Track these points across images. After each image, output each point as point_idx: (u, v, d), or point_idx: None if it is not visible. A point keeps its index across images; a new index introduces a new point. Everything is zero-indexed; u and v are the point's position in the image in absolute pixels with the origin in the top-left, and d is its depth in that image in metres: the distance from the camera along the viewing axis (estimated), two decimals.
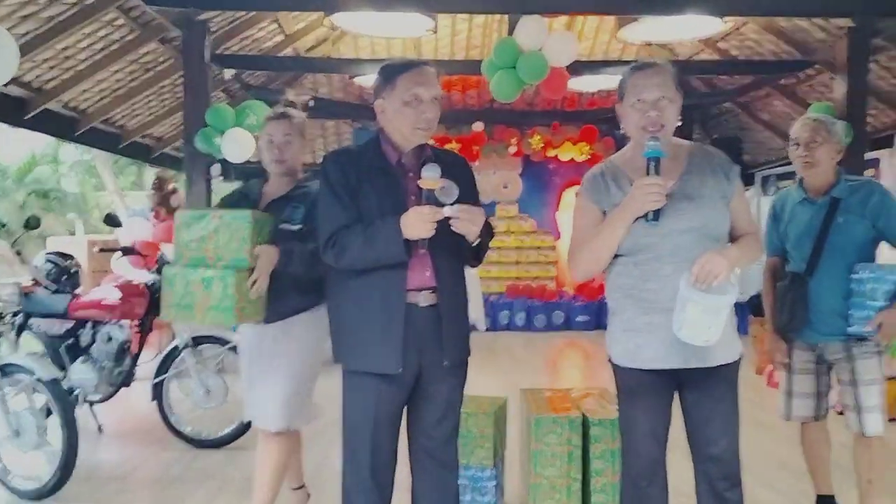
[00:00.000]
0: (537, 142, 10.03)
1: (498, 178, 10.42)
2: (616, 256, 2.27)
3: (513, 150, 10.18)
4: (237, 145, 6.00)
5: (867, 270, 2.83)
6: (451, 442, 2.44)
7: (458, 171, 2.35)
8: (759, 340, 5.43)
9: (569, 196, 10.48)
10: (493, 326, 9.24)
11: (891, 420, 4.64)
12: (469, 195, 2.35)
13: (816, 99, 7.73)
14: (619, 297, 2.30)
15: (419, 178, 2.22)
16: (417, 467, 2.44)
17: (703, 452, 2.33)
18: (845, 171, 3.01)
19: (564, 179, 10.53)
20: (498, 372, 6.49)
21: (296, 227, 2.77)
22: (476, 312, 7.58)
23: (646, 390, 2.30)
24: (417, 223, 2.16)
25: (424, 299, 2.28)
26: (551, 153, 10.15)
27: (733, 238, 2.31)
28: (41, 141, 15.98)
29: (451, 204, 2.20)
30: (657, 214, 2.15)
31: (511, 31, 5.54)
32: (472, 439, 3.10)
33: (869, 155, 7.71)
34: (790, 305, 2.95)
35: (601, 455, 2.98)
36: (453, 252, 2.32)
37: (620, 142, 9.65)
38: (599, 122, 10.13)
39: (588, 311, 9.50)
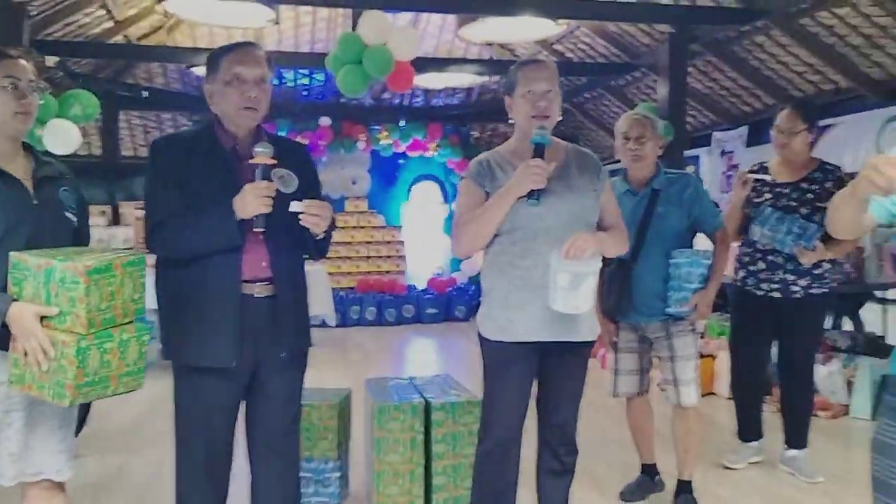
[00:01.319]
0: (385, 137, 10.08)
1: (346, 173, 10.38)
2: (495, 236, 2.42)
3: (361, 145, 10.18)
4: (60, 137, 5.59)
5: (683, 256, 3.08)
6: (291, 434, 2.41)
7: (298, 159, 2.33)
8: None
9: (417, 191, 10.64)
10: (344, 322, 9.19)
11: (705, 395, 5.11)
12: (310, 184, 2.35)
13: (643, 100, 8.28)
14: (495, 274, 2.45)
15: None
16: (256, 460, 2.39)
17: (550, 420, 2.53)
18: (664, 166, 3.26)
19: (413, 175, 10.66)
20: (348, 366, 6.47)
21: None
22: (325, 308, 7.50)
23: (515, 364, 2.45)
24: (252, 199, 2.11)
25: (260, 290, 2.23)
26: (400, 149, 10.24)
27: (602, 229, 2.51)
28: None
29: (292, 193, 2.18)
30: (538, 196, 2.32)
31: (354, 26, 5.53)
32: (315, 432, 3.09)
33: (690, 152, 8.38)
34: (616, 290, 3.15)
35: (443, 439, 3.06)
36: (290, 243, 2.29)
37: (466, 139, 9.89)
38: (447, 119, 10.33)
39: (437, 303, 9.67)
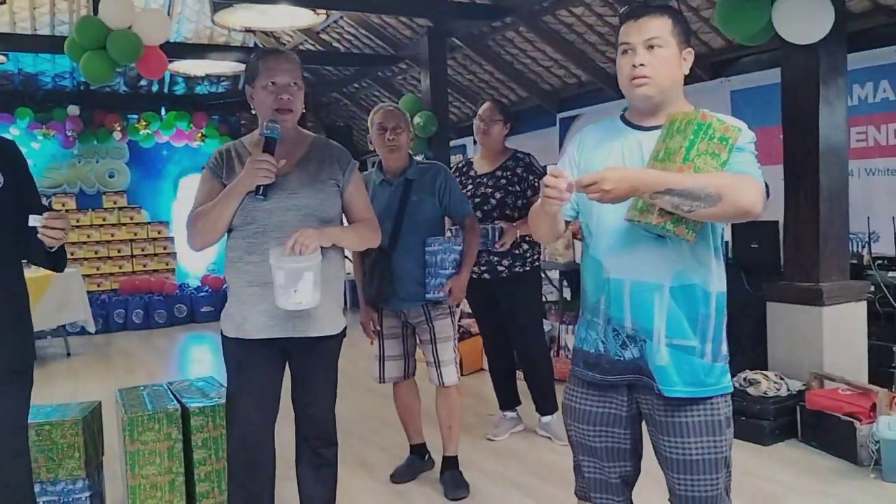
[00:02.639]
0: (144, 127, 9.44)
1: (102, 166, 9.61)
2: (230, 231, 2.38)
3: (117, 136, 9.46)
4: None
5: (437, 243, 3.21)
6: (17, 461, 2.18)
7: (7, 156, 2.14)
8: None
9: (186, 185, 10.09)
10: (107, 327, 8.51)
11: (475, 371, 5.40)
12: (21, 181, 2.17)
13: (410, 91, 8.50)
14: (231, 271, 2.41)
15: None
16: None
17: (304, 414, 2.52)
18: (431, 154, 3.39)
19: (180, 167, 10.10)
20: (108, 376, 6.00)
21: None
22: (82, 313, 6.90)
23: (253, 361, 2.41)
24: None
25: None
26: (163, 139, 9.65)
27: (351, 222, 2.52)
28: None
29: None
30: (265, 191, 2.29)
31: (95, 10, 5.09)
32: (59, 450, 2.83)
33: (456, 142, 8.75)
34: (378, 277, 3.21)
35: (203, 444, 2.93)
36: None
37: (236, 128, 9.53)
38: (213, 108, 9.90)
39: (212, 301, 9.23)
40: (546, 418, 3.93)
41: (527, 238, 3.78)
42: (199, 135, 9.90)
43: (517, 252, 3.79)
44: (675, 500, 1.88)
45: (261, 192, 2.28)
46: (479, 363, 5.54)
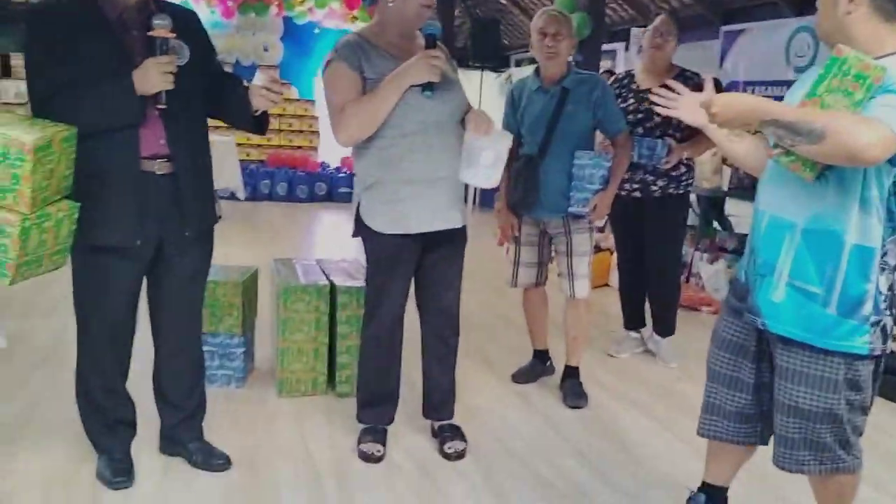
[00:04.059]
0: (300, 3, 9.62)
1: (258, 39, 9.92)
2: (377, 130, 2.40)
3: (274, 11, 9.70)
4: None
5: (587, 157, 3.18)
6: (194, 310, 2.46)
7: (189, 28, 2.24)
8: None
9: None
10: (254, 196, 9.05)
11: (601, 286, 5.41)
12: (205, 53, 2.31)
13: None
14: (381, 168, 2.46)
15: (145, 33, 2.11)
16: (160, 337, 2.44)
17: (434, 305, 2.68)
18: (578, 66, 3.31)
19: (329, 47, 10.26)
20: (257, 242, 6.44)
21: None
22: (234, 181, 7.36)
23: (404, 255, 2.54)
24: (154, 74, 2.05)
25: (160, 168, 2.19)
26: (316, 17, 9.82)
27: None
28: None
29: (185, 64, 2.13)
30: (433, 88, 2.34)
31: None
32: (220, 308, 3.13)
33: (607, 46, 8.42)
34: (523, 185, 3.23)
35: (347, 320, 3.16)
36: (189, 117, 2.24)
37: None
38: None
39: (351, 182, 9.59)
40: (659, 338, 3.95)
41: (685, 160, 3.69)
42: (351, 16, 9.99)
43: (674, 173, 3.68)
44: (775, 440, 1.92)
45: (429, 87, 2.34)
46: (604, 278, 5.54)
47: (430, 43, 2.37)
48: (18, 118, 1.91)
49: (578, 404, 3.27)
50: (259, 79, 2.19)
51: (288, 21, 9.92)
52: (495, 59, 9.32)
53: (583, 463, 2.75)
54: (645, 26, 3.91)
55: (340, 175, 9.68)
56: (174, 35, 2.10)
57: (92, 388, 2.36)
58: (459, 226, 2.59)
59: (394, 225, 2.50)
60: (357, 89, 2.40)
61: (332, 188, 9.54)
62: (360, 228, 2.56)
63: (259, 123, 2.35)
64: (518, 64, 10.59)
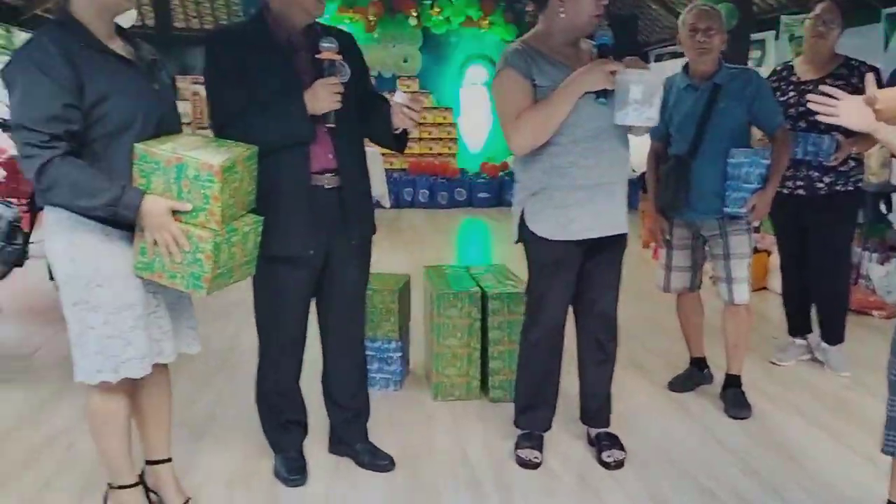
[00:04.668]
0: (438, 13, 9.81)
1: (398, 51, 10.20)
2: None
3: (413, 22, 9.95)
4: None
5: (743, 155, 3.03)
6: (358, 317, 2.58)
7: (349, 48, 2.35)
8: (648, 216, 5.77)
9: (474, 72, 10.43)
10: (397, 203, 9.34)
11: (758, 290, 5.15)
12: (361, 72, 2.42)
13: None
14: (549, 175, 2.48)
15: (311, 57, 2.24)
16: (328, 341, 2.57)
17: (592, 310, 2.67)
18: (725, 59, 3.18)
19: (465, 54, 10.44)
20: (401, 249, 6.65)
21: None
22: (380, 189, 7.62)
23: (568, 260, 2.55)
24: (324, 95, 2.18)
25: (328, 181, 2.32)
26: (453, 27, 9.99)
27: None
28: None
29: (345, 83, 2.24)
30: (607, 95, 2.37)
31: None
32: (378, 314, 3.25)
33: (755, 36, 8.01)
34: (673, 186, 3.14)
35: (498, 326, 3.20)
36: (352, 132, 2.36)
37: (520, 16, 9.57)
38: None
39: (489, 188, 9.71)
40: (828, 346, 3.70)
41: (854, 155, 3.45)
42: (487, 21, 10.09)
43: (842, 169, 3.45)
44: None
45: (602, 95, 2.37)
46: (761, 281, 5.28)
47: (603, 52, 2.40)
48: (204, 141, 2.06)
49: (741, 414, 3.14)
50: (400, 97, 2.26)
51: (426, 31, 10.15)
52: (634, 56, 9.09)
53: (749, 475, 2.64)
54: (797, 12, 3.68)
55: (480, 180, 9.80)
56: (341, 57, 2.22)
57: (270, 390, 2.53)
58: (625, 231, 2.59)
59: (561, 231, 2.50)
60: (530, 97, 2.43)
61: (472, 194, 9.67)
62: (524, 234, 2.58)
63: (399, 141, 2.43)
64: (657, 59, 10.29)
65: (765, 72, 3.72)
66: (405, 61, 10.31)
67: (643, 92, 2.29)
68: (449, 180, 9.73)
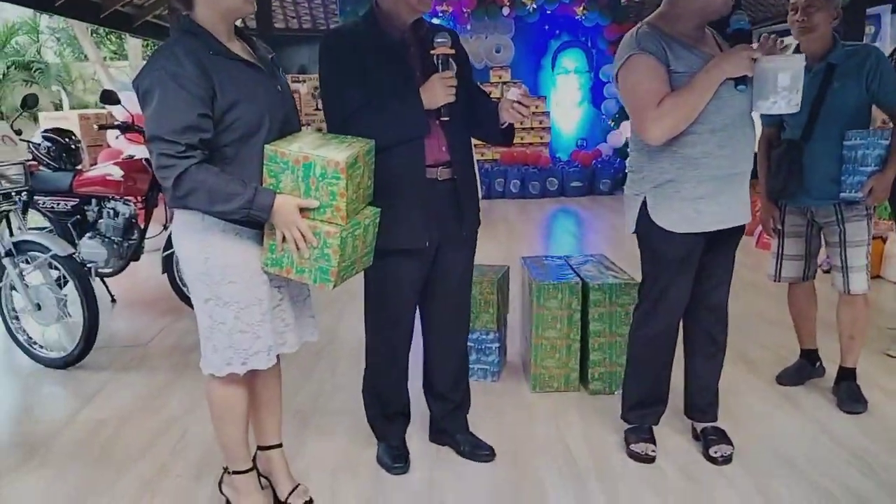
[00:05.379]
0: (531, 1, 9.72)
1: (490, 41, 10.17)
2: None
3: (505, 11, 9.89)
4: None
5: (858, 137, 2.87)
6: (464, 308, 2.61)
7: (454, 44, 2.35)
8: (752, 203, 5.58)
9: (563, 60, 10.29)
10: (489, 194, 9.33)
11: (872, 278, 4.86)
12: (465, 66, 2.43)
13: None
14: (681, 165, 2.39)
15: (421, 52, 2.29)
16: (431, 332, 2.60)
17: (705, 302, 2.60)
18: (842, 38, 3.00)
19: (558, 42, 10.30)
20: (495, 239, 6.64)
21: None
22: None
23: (693, 253, 2.49)
24: (440, 89, 2.22)
25: (442, 174, 2.35)
26: (546, 13, 9.87)
27: None
28: (14, 10, 15.28)
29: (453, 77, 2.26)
30: (745, 82, 2.31)
31: None
32: (477, 305, 3.26)
33: (870, 10, 7.55)
34: (785, 171, 3.00)
35: (599, 318, 3.15)
36: (462, 126, 2.39)
37: (615, 4, 9.37)
38: None
39: (582, 176, 9.56)
40: None
41: None
42: (581, 8, 9.92)
43: None
44: None
45: (741, 82, 2.29)
46: (876, 269, 4.99)
47: (741, 37, 2.31)
48: (324, 138, 2.10)
49: (856, 409, 2.98)
50: (512, 93, 2.28)
51: (518, 20, 10.07)
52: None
53: (867, 473, 2.51)
54: None
55: (572, 169, 9.66)
56: (454, 52, 2.25)
57: (378, 380, 2.59)
58: (748, 221, 2.54)
59: (688, 223, 2.42)
60: (667, 83, 2.32)
61: (564, 183, 9.55)
62: (644, 226, 2.50)
63: (506, 136, 2.44)
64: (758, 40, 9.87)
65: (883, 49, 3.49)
66: (497, 51, 10.26)
67: (792, 77, 2.21)
68: (540, 170, 9.64)
